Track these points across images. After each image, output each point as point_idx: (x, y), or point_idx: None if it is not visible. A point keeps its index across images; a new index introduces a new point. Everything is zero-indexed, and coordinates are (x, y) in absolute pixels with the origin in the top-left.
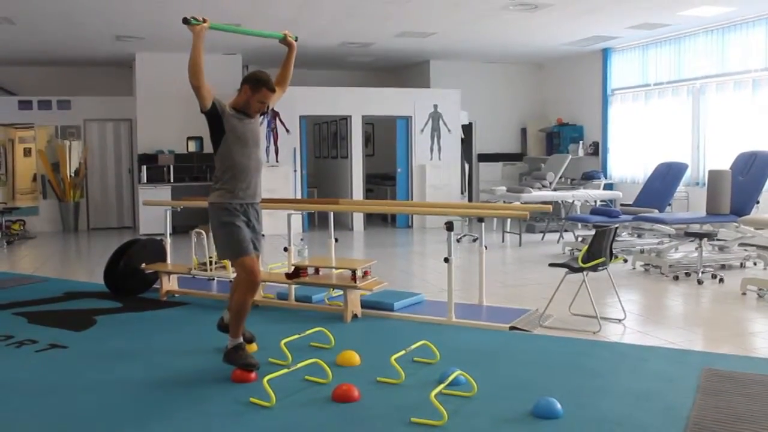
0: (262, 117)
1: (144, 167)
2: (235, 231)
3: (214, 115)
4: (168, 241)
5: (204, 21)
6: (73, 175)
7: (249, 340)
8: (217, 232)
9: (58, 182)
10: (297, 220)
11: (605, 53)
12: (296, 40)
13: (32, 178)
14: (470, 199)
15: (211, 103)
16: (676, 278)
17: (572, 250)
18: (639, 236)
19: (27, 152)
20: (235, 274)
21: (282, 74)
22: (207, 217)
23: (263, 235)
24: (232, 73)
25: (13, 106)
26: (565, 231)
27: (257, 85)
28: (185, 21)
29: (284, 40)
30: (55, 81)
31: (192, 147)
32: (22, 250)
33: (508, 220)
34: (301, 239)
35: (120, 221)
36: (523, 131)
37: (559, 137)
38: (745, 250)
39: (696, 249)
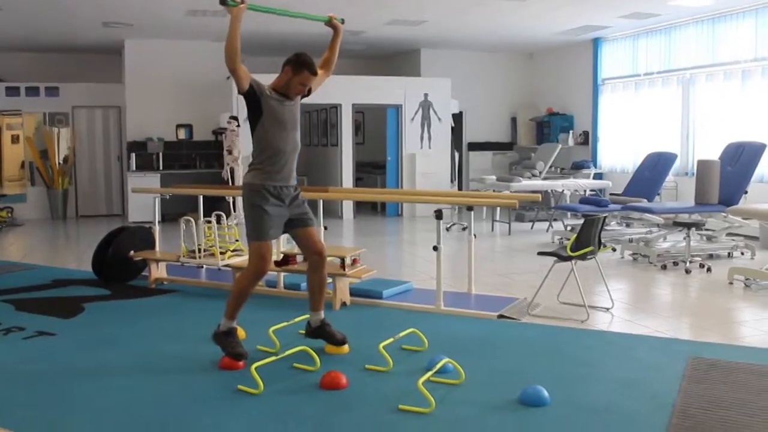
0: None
1: (133, 155)
2: (261, 215)
3: (251, 97)
4: (157, 229)
5: (242, 2)
6: (61, 162)
7: (341, 342)
8: (246, 212)
9: (46, 169)
10: None
11: (596, 43)
12: (342, 23)
13: (20, 165)
14: (460, 188)
15: (249, 84)
16: (664, 267)
17: (561, 239)
18: (628, 225)
19: (15, 139)
20: (224, 262)
21: (327, 58)
22: (196, 204)
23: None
24: (222, 60)
25: (0, 93)
26: (555, 220)
27: (299, 67)
28: (222, 2)
29: (329, 23)
30: (42, 67)
31: (181, 134)
32: (9, 237)
33: (498, 208)
34: None
35: (109, 209)
36: (514, 120)
37: (549, 127)
38: (733, 239)
39: (684, 239)
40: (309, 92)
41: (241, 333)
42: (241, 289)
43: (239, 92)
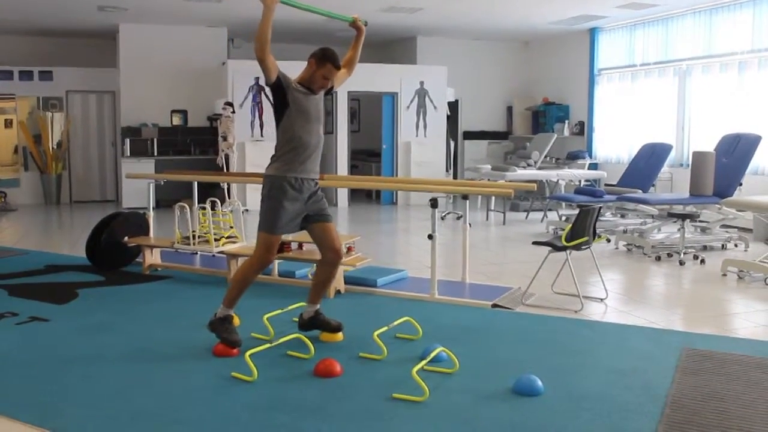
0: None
1: (127, 140)
2: (277, 208)
3: (278, 88)
4: (151, 215)
5: None
6: (55, 147)
7: (335, 329)
8: (263, 202)
9: (39, 154)
10: None
11: (593, 33)
12: (366, 25)
13: (13, 149)
14: (455, 177)
15: (276, 76)
16: (658, 258)
17: (556, 229)
18: (622, 216)
19: (8, 123)
20: (218, 249)
21: (350, 57)
22: (190, 190)
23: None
24: (217, 45)
25: None
26: (549, 210)
27: (323, 61)
28: None
29: (353, 24)
30: (36, 51)
31: (176, 120)
32: (2, 222)
33: (493, 198)
34: None
35: (103, 194)
36: (509, 110)
37: (545, 116)
38: (727, 231)
39: (678, 230)
40: (331, 89)
41: (235, 320)
42: (243, 277)
43: (266, 83)
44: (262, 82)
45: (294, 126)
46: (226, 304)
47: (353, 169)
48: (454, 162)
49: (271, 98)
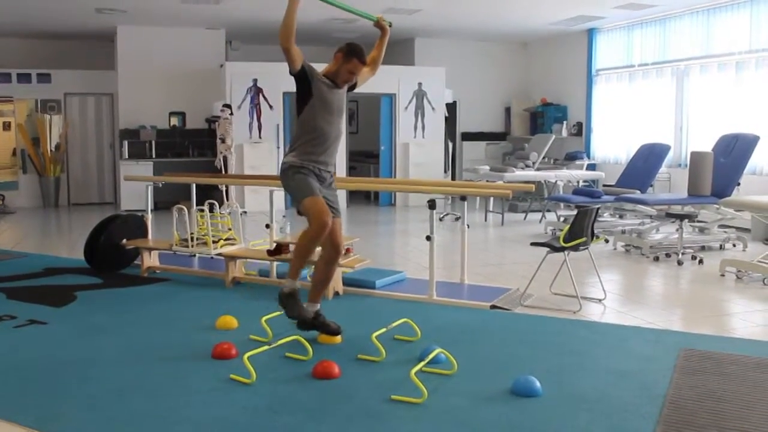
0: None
1: (125, 142)
2: (305, 179)
3: (302, 78)
4: (149, 217)
5: None
6: (53, 149)
7: (334, 332)
8: (288, 187)
9: (38, 157)
10: (279, 196)
11: (590, 33)
12: (390, 26)
13: (12, 152)
14: (453, 178)
15: (301, 65)
16: (657, 259)
17: (554, 229)
18: (621, 217)
19: (6, 126)
20: (216, 251)
21: (374, 56)
22: (188, 193)
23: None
24: (215, 47)
25: None
26: (548, 211)
27: (349, 55)
28: None
29: (378, 24)
30: (34, 54)
31: (174, 122)
32: (1, 225)
33: (491, 199)
34: (284, 216)
35: (101, 197)
36: (507, 110)
37: (543, 117)
38: (725, 231)
39: (677, 230)
40: (354, 86)
41: (233, 322)
42: (305, 246)
43: (291, 73)
44: (260, 83)
45: (316, 117)
46: (291, 277)
47: (351, 170)
48: (452, 163)
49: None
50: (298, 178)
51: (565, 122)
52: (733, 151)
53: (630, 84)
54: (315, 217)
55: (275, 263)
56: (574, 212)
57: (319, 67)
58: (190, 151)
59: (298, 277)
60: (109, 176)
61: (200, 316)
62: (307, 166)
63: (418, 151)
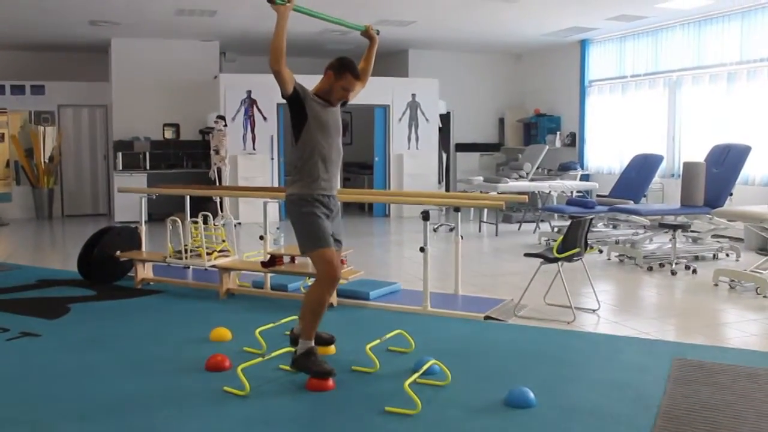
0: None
1: (119, 154)
2: (315, 221)
3: (296, 101)
4: (143, 229)
5: (289, 1)
6: (47, 161)
7: (327, 342)
8: (296, 224)
9: (31, 168)
10: (273, 208)
11: (583, 44)
12: (378, 34)
13: (5, 164)
14: (447, 189)
15: (293, 88)
16: (650, 269)
17: (548, 240)
18: (614, 227)
19: (0, 138)
20: (210, 263)
21: (362, 67)
22: (182, 204)
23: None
24: (209, 59)
25: None
26: (541, 221)
27: (341, 71)
28: (270, 0)
29: (366, 33)
30: (28, 65)
31: (168, 134)
32: None
33: (485, 210)
34: (278, 228)
35: (95, 208)
36: (501, 121)
37: (537, 128)
38: (718, 241)
39: (670, 240)
40: (346, 102)
41: (227, 334)
42: (316, 304)
43: (283, 96)
44: (254, 95)
45: (314, 139)
46: (303, 338)
47: (345, 181)
48: (446, 174)
49: (261, 115)
50: (309, 220)
51: (558, 133)
52: (726, 162)
53: (623, 95)
54: (326, 272)
55: (269, 275)
56: (568, 223)
57: (314, 80)
58: (184, 163)
59: (312, 336)
60: (103, 188)
61: (194, 327)
62: (317, 197)
63: (412, 162)
